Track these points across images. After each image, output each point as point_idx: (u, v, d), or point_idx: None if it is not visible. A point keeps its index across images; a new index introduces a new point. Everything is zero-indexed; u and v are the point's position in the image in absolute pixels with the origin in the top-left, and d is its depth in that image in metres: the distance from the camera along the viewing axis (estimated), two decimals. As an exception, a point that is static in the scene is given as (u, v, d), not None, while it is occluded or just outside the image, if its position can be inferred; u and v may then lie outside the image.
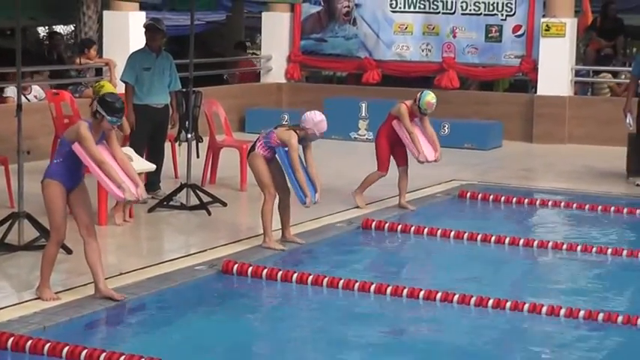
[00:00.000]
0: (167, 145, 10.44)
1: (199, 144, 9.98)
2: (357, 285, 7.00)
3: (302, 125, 7.94)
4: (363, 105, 15.05)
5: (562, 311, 6.53)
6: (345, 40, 16.36)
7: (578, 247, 8.35)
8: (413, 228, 8.83)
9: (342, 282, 7.04)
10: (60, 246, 6.60)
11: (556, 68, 14.82)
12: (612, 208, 9.97)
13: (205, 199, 9.48)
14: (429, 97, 9.47)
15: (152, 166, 9.03)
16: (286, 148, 7.87)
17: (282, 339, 6.25)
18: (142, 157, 9.47)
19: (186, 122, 9.76)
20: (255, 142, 8.08)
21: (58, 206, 6.38)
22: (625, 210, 9.97)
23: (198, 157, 9.97)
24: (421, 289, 6.86)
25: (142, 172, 8.44)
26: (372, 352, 5.95)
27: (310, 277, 7.13)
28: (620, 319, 6.41)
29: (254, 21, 19.72)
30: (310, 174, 8.03)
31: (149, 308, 6.65)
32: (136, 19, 13.27)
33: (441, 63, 15.68)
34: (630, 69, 12.73)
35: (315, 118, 7.95)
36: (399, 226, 8.89)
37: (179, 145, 10.09)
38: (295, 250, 8.10)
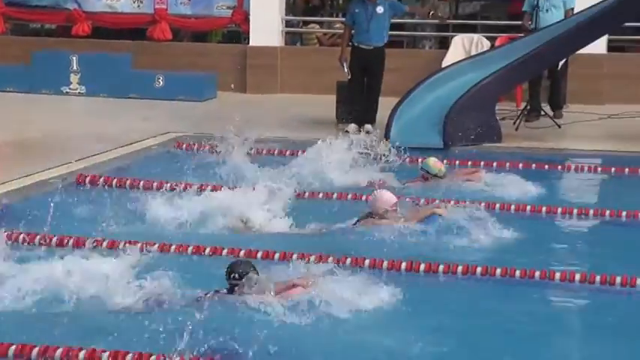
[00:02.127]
0: None
1: None
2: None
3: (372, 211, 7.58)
4: (74, 58, 14.66)
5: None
6: (52, -9, 15.80)
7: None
8: (128, 182, 8.74)
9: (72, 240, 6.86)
10: None
11: (267, 19, 15.07)
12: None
13: None
14: (430, 160, 8.95)
15: None
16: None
17: None
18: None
19: None
20: None
21: None
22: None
23: None
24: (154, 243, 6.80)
25: None
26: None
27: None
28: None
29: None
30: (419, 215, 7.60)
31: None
32: None
33: (153, 14, 15.51)
34: (343, 19, 13.14)
35: (370, 200, 7.60)
36: (114, 181, 8.79)
37: None
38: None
